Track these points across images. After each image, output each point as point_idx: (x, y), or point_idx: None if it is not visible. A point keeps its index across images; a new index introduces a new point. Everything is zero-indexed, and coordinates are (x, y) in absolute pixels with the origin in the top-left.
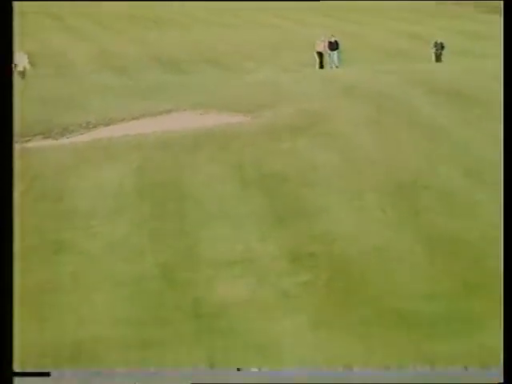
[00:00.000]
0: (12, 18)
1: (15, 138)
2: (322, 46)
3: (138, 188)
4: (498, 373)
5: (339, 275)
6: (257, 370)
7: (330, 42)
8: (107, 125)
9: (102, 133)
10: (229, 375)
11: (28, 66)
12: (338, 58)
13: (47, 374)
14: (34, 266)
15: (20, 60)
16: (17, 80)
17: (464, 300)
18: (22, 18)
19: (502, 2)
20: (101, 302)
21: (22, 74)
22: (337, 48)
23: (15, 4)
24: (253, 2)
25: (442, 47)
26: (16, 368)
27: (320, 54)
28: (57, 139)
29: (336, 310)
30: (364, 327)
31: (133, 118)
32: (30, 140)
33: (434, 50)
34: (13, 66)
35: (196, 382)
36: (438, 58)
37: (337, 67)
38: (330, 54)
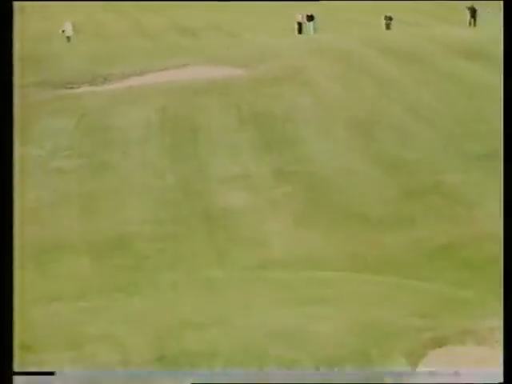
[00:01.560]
0: (12, 17)
1: (68, 85)
2: (301, 18)
3: (161, 122)
4: (497, 373)
5: (314, 188)
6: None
7: (308, 15)
8: (138, 75)
9: (134, 81)
10: (229, 375)
11: (72, 33)
12: (313, 27)
13: (47, 374)
14: (82, 179)
15: (67, 28)
16: (65, 43)
17: (406, 204)
18: None
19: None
20: (133, 206)
21: (68, 38)
22: (312, 19)
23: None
24: None
25: (391, 19)
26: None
27: (299, 24)
28: (99, 86)
29: (311, 213)
30: (333, 225)
31: (158, 70)
32: (79, 87)
33: (384, 21)
34: (61, 31)
35: (196, 382)
36: (388, 27)
37: (313, 33)
38: (307, 24)
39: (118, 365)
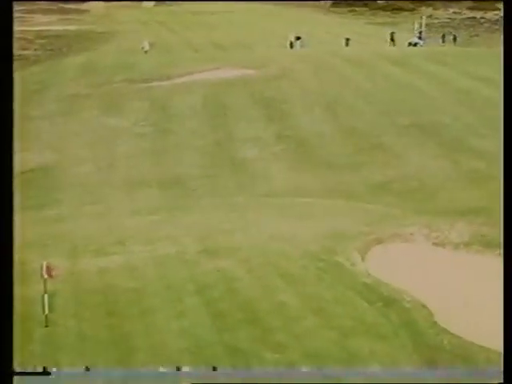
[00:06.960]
0: (12, 17)
1: (144, 81)
2: (292, 38)
3: (203, 103)
4: (498, 373)
5: (299, 146)
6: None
7: (296, 37)
8: (188, 74)
9: (186, 78)
10: (229, 375)
11: (148, 48)
12: (300, 44)
13: (47, 374)
14: (152, 139)
15: (145, 45)
16: (143, 55)
17: (357, 156)
18: (144, 25)
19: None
20: (184, 156)
21: (146, 52)
22: (299, 39)
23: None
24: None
25: (348, 39)
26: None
27: (291, 42)
28: (164, 82)
29: (298, 162)
30: (311, 169)
31: (201, 71)
32: (151, 82)
33: (344, 41)
34: (141, 47)
35: (196, 382)
36: (347, 45)
37: (300, 48)
38: (296, 42)
39: (175, 255)
